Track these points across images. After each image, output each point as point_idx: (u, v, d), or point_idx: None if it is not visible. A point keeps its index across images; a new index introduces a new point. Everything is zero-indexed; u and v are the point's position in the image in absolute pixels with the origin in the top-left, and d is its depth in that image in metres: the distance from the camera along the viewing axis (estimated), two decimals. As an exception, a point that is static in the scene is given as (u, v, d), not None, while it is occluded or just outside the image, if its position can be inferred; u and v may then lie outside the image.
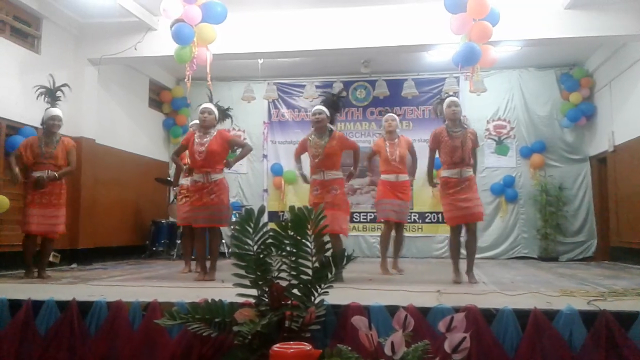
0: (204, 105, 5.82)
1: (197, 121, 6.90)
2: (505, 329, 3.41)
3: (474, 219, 5.43)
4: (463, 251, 5.68)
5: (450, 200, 5.44)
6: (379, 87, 10.33)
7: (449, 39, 6.60)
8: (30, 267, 6.02)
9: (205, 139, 5.64)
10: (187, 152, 5.92)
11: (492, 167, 10.24)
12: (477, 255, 9.48)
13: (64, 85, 6.37)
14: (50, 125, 6.04)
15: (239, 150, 5.95)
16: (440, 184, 5.59)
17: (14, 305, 3.95)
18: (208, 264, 5.82)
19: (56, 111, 6.10)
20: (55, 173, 5.96)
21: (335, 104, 6.03)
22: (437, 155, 5.77)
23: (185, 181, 6.90)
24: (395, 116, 6.96)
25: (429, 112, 10.28)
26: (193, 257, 6.98)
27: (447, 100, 5.66)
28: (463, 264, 5.59)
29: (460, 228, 5.55)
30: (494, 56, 6.23)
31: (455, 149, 5.44)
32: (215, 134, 5.71)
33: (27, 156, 5.97)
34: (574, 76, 9.96)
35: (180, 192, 6.94)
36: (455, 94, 10.11)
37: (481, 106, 10.07)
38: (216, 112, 5.82)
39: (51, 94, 6.23)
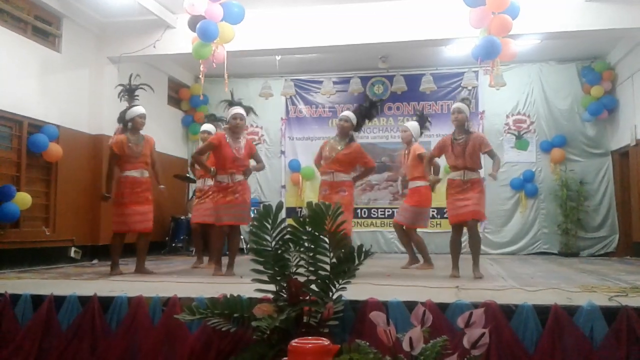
0: (236, 110, 5.83)
1: (207, 127, 7.09)
2: (525, 325, 3.39)
3: (469, 217, 5.51)
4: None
5: (451, 199, 5.62)
6: (397, 82, 10.31)
7: (468, 33, 6.54)
8: (116, 263, 6.06)
9: (239, 144, 5.80)
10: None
11: (511, 162, 10.12)
12: (496, 251, 9.78)
13: (143, 84, 6.40)
14: (139, 123, 6.08)
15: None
16: (446, 186, 5.74)
17: (37, 300, 4.02)
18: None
19: (143, 109, 6.15)
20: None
21: (369, 112, 6.21)
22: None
23: (200, 183, 6.97)
24: (409, 125, 7.00)
25: (448, 107, 10.23)
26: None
27: (452, 106, 5.81)
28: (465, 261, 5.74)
29: (460, 227, 5.66)
30: (513, 50, 6.15)
31: (457, 157, 5.58)
32: (245, 141, 5.87)
33: (120, 155, 5.99)
34: (595, 69, 9.79)
35: (197, 194, 7.02)
36: (474, 88, 10.09)
37: (501, 100, 9.98)
38: (246, 116, 5.90)
39: (129, 93, 6.27)
